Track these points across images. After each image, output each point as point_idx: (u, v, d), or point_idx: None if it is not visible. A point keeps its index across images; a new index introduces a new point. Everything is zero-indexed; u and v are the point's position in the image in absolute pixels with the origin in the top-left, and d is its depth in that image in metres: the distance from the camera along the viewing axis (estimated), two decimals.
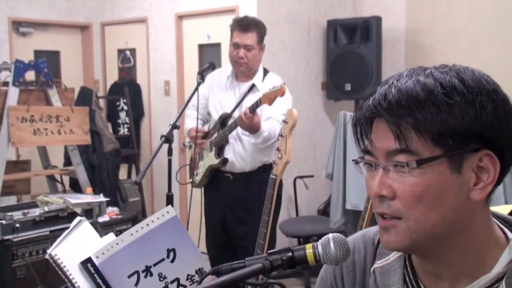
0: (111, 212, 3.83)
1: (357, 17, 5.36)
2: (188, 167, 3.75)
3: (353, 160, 0.99)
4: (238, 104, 3.43)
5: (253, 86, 3.43)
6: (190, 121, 3.60)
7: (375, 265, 1.04)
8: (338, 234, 0.98)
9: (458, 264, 0.94)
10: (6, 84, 4.00)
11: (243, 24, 3.39)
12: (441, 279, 0.96)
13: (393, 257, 1.02)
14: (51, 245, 1.40)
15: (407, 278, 1.01)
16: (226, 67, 3.55)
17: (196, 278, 1.33)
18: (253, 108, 3.11)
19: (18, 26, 5.66)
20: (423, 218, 0.90)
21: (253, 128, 3.18)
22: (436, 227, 0.90)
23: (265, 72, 3.52)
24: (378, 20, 5.08)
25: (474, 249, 0.93)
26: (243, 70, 3.44)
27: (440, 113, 0.86)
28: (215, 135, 3.46)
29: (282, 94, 2.96)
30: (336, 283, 1.10)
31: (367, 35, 5.06)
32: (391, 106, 0.89)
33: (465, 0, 4.94)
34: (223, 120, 3.44)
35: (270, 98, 2.98)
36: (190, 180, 3.65)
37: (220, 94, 3.53)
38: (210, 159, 3.47)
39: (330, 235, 0.97)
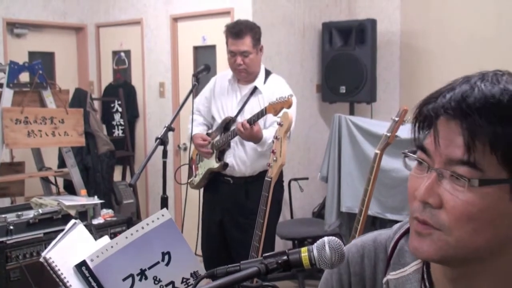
0: (106, 214, 3.83)
1: (352, 20, 5.36)
2: (186, 167, 3.74)
3: (402, 152, 0.90)
4: (242, 107, 3.42)
5: (255, 88, 3.42)
6: (195, 126, 3.59)
7: (388, 276, 0.96)
8: (334, 237, 0.98)
9: (491, 286, 0.87)
10: (0, 85, 3.98)
11: (235, 31, 3.36)
12: None
13: (410, 270, 0.95)
14: (45, 247, 1.40)
15: None
16: (228, 70, 3.53)
17: (191, 281, 1.32)
18: (253, 120, 3.10)
19: (13, 27, 5.64)
20: (467, 239, 0.81)
21: (253, 138, 3.18)
22: (477, 250, 0.83)
23: (267, 73, 3.51)
24: (373, 22, 5.09)
25: (507, 276, 0.87)
26: (244, 76, 3.43)
27: None
28: (217, 138, 3.45)
29: (289, 106, 2.93)
30: None
31: (362, 38, 5.07)
32: (471, 111, 0.79)
33: (459, 3, 4.96)
34: (227, 124, 3.43)
35: (276, 108, 2.96)
36: (189, 181, 3.65)
37: (223, 98, 3.52)
38: (210, 162, 3.46)
39: (326, 239, 0.96)
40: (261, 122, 3.29)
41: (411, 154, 0.88)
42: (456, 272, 0.89)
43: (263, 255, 0.99)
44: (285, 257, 0.97)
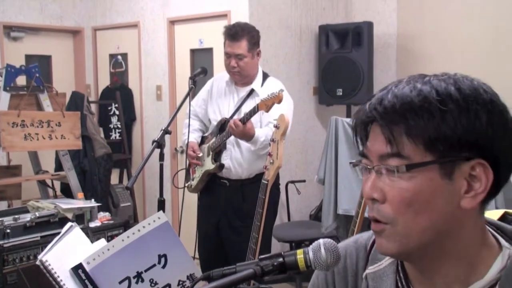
0: (103, 217, 3.82)
1: (348, 22, 5.38)
2: (183, 171, 3.74)
3: (350, 163, 1.01)
4: (237, 109, 3.42)
5: (252, 91, 3.43)
6: (191, 132, 3.59)
7: (367, 271, 1.04)
8: (329, 239, 0.98)
9: (450, 271, 0.94)
10: None
11: (232, 33, 3.36)
12: (434, 286, 0.96)
13: (386, 263, 1.02)
14: (42, 250, 1.40)
15: (399, 284, 1.01)
16: (226, 72, 3.53)
17: (187, 283, 1.33)
18: (246, 118, 3.10)
19: (9, 30, 5.64)
20: (411, 223, 0.90)
21: (246, 136, 3.17)
22: (424, 232, 0.90)
23: (265, 76, 3.51)
24: (369, 25, 5.10)
25: (466, 256, 0.93)
26: (238, 79, 3.44)
27: (433, 120, 0.87)
28: (213, 140, 3.45)
29: (279, 101, 2.94)
30: None
31: (359, 40, 5.08)
32: (386, 111, 0.90)
33: (456, 5, 4.98)
34: (222, 125, 3.43)
35: (267, 104, 2.97)
36: (187, 185, 3.65)
37: (219, 99, 3.52)
38: (206, 164, 3.47)
39: (321, 241, 0.97)
40: (257, 123, 3.30)
41: (356, 162, 0.98)
42: (420, 265, 0.96)
43: (259, 257, 0.99)
44: (280, 259, 0.97)
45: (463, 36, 4.88)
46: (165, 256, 1.31)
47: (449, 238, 0.92)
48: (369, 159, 0.94)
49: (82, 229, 1.51)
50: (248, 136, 3.17)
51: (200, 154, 3.50)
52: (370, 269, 1.03)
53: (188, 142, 3.55)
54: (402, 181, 0.89)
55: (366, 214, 3.03)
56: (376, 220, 0.93)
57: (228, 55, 3.38)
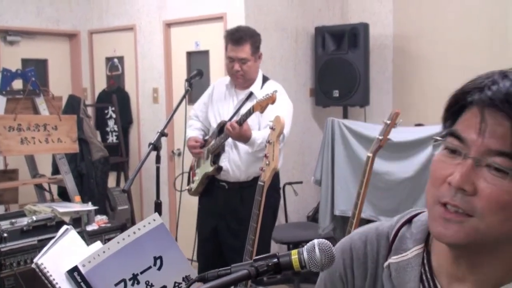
0: (100, 221, 3.82)
1: (344, 24, 5.39)
2: (185, 174, 3.75)
3: (433, 138, 0.93)
4: (236, 111, 3.43)
5: (251, 94, 3.43)
6: (192, 130, 3.61)
7: (390, 260, 1.00)
8: (324, 240, 0.98)
9: (491, 270, 0.92)
10: None
11: (235, 38, 3.38)
12: (463, 282, 0.94)
13: (411, 254, 0.99)
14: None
15: (424, 277, 0.98)
16: (227, 76, 3.55)
17: (183, 285, 1.33)
18: (243, 120, 3.11)
19: (6, 34, 5.64)
20: (497, 225, 0.85)
21: (243, 137, 3.17)
22: (502, 235, 0.87)
23: (264, 79, 3.52)
24: (365, 26, 5.11)
25: (508, 256, 0.91)
26: (241, 82, 3.45)
27: None
28: (212, 142, 3.46)
29: (273, 102, 2.95)
30: (346, 274, 1.06)
31: (355, 42, 5.08)
32: None
33: (452, 6, 4.99)
34: (221, 128, 3.44)
35: (262, 105, 2.98)
36: (187, 188, 3.66)
37: (219, 103, 3.54)
38: (206, 166, 3.47)
39: (316, 241, 0.97)
40: (255, 125, 3.30)
41: (441, 140, 0.91)
42: (466, 259, 0.92)
43: (254, 258, 0.99)
44: (275, 260, 0.97)
45: (459, 37, 4.89)
46: (160, 258, 1.31)
47: (510, 243, 0.89)
48: (465, 144, 0.87)
49: (79, 232, 1.51)
50: (244, 137, 3.18)
51: (203, 143, 3.49)
52: (393, 259, 1.00)
53: (189, 137, 3.56)
54: (505, 183, 0.84)
55: (363, 215, 3.04)
56: (455, 210, 0.87)
57: (231, 59, 3.40)
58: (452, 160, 0.88)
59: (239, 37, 3.37)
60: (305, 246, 0.97)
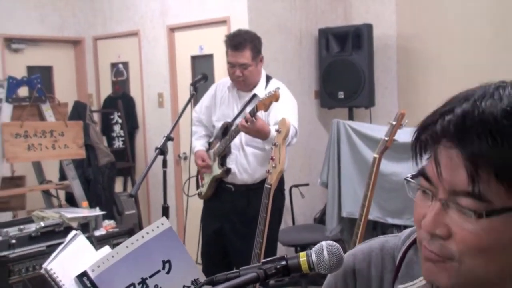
0: (108, 226, 3.83)
1: (348, 25, 5.38)
2: (193, 179, 3.75)
3: (405, 179, 0.85)
4: (240, 112, 3.42)
5: (254, 95, 3.42)
6: (197, 139, 3.58)
7: None
8: (332, 242, 0.98)
9: None
10: None
11: (235, 44, 3.33)
12: None
13: (420, 283, 0.91)
14: None
15: None
16: (228, 78, 3.51)
17: None
18: (253, 114, 3.08)
19: (10, 42, 5.67)
20: (479, 269, 0.78)
21: (259, 132, 3.07)
22: (491, 276, 0.79)
23: (268, 79, 3.49)
24: (369, 27, 5.11)
25: None
26: (242, 87, 3.43)
27: None
28: (217, 145, 3.45)
29: (277, 99, 2.92)
30: None
31: (359, 43, 5.08)
32: (472, 139, 0.73)
33: (455, 5, 4.98)
34: (225, 129, 3.43)
35: (265, 104, 2.96)
36: (197, 192, 3.65)
37: (223, 106, 3.52)
38: (213, 169, 3.47)
39: (324, 243, 0.96)
40: None
41: (412, 181, 0.84)
42: None
43: (262, 260, 0.99)
44: (283, 262, 0.97)
45: (463, 36, 4.88)
46: (169, 261, 1.31)
47: (508, 282, 0.82)
48: (431, 183, 0.80)
49: (87, 237, 1.52)
50: (263, 132, 3.07)
51: (211, 163, 3.48)
52: (401, 287, 0.93)
53: (196, 151, 3.55)
54: (478, 226, 0.75)
55: (370, 217, 3.03)
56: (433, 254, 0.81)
57: (231, 65, 3.36)
58: (425, 201, 0.81)
59: (239, 42, 3.32)
60: (313, 248, 0.97)
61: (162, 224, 1.30)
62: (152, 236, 1.30)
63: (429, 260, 0.81)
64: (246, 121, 3.02)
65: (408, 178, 0.84)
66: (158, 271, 1.31)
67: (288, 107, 3.21)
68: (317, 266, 0.95)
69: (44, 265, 1.33)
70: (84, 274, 1.31)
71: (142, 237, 1.30)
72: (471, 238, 0.76)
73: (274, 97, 2.92)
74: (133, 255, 1.30)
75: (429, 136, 0.79)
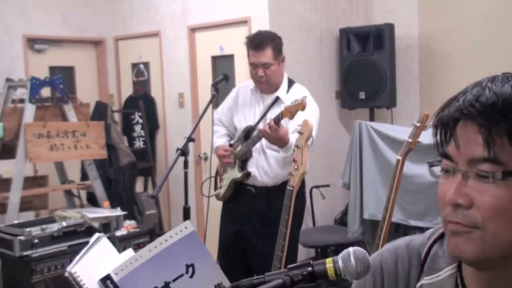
0: (129, 226, 3.84)
1: (369, 25, 5.35)
2: (212, 179, 3.74)
3: (428, 162, 0.93)
4: (263, 116, 3.40)
5: (277, 98, 3.40)
6: (218, 137, 3.59)
7: (423, 281, 0.97)
8: (359, 247, 0.97)
9: None
10: (22, 101, 4.03)
11: (256, 43, 3.32)
12: None
13: (444, 274, 0.96)
14: (69, 260, 1.41)
15: None
16: (251, 80, 3.49)
17: None
18: (277, 121, 3.06)
19: (33, 43, 5.72)
20: (502, 232, 0.83)
21: (280, 140, 3.09)
22: None
23: (290, 83, 3.47)
24: (390, 27, 5.07)
25: None
26: (265, 87, 3.41)
27: None
28: (239, 147, 3.44)
29: (303, 108, 2.90)
30: None
31: (380, 43, 5.04)
32: (485, 109, 0.82)
33: (476, 4, 4.92)
34: (247, 132, 3.42)
35: (291, 111, 2.93)
36: (215, 193, 3.64)
37: (245, 108, 3.50)
38: (233, 172, 3.45)
39: (351, 249, 0.95)
40: None
41: (436, 163, 0.91)
42: (492, 275, 0.90)
43: (288, 266, 0.98)
44: (310, 269, 0.96)
45: (484, 36, 4.82)
46: (192, 265, 1.31)
47: None
48: (452, 160, 0.87)
49: (108, 237, 1.52)
50: (283, 141, 3.08)
51: (233, 151, 3.47)
52: (426, 280, 0.97)
53: (217, 146, 3.54)
54: (497, 188, 0.82)
55: (392, 219, 3.00)
56: (459, 224, 0.86)
57: (254, 65, 3.35)
58: (448, 180, 0.88)
59: (260, 41, 3.32)
60: (340, 255, 0.96)
61: (186, 227, 1.30)
62: (175, 239, 1.29)
63: (455, 234, 0.86)
64: (270, 128, 3.01)
65: (432, 162, 0.92)
66: (182, 275, 1.31)
67: (310, 116, 3.19)
68: (344, 273, 0.94)
69: (68, 268, 1.33)
70: (107, 277, 1.31)
71: (166, 240, 1.30)
72: (491, 201, 0.82)
73: (301, 105, 2.89)
74: (156, 259, 1.29)
75: (446, 116, 0.87)
